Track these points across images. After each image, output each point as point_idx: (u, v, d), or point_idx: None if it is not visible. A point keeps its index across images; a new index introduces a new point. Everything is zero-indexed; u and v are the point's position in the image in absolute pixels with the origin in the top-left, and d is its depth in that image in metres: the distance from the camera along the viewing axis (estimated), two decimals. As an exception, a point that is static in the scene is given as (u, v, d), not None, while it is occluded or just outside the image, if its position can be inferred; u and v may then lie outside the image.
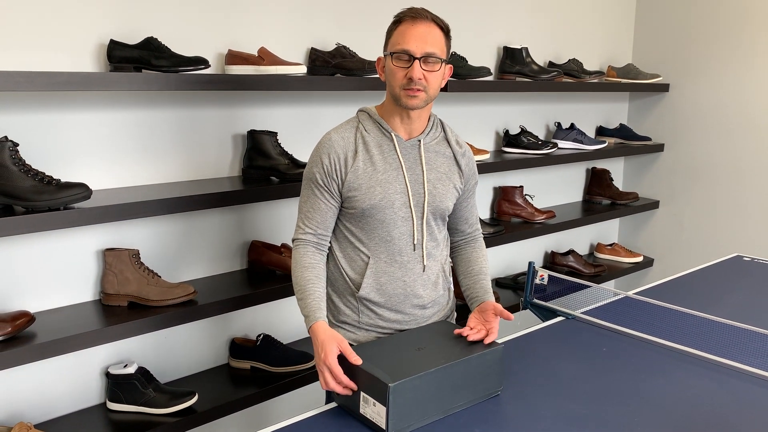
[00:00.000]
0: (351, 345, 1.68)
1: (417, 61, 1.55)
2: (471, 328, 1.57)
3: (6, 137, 1.68)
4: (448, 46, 1.63)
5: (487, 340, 1.53)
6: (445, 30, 1.61)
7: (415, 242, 1.65)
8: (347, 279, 1.67)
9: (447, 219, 1.75)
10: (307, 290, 1.59)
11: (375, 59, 2.07)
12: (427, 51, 1.55)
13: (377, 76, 2.31)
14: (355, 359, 1.42)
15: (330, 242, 1.71)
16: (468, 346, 1.50)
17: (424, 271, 1.67)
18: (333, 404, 1.48)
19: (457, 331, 1.57)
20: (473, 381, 1.46)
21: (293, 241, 1.67)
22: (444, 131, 1.72)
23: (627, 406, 1.49)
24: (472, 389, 1.46)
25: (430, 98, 1.61)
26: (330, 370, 1.45)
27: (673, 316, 2.05)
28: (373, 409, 1.35)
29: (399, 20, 1.60)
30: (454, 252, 1.83)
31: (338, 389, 1.44)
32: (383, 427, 1.33)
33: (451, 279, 1.82)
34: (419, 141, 1.66)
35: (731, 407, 1.49)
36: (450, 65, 1.67)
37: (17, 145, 1.70)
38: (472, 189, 1.78)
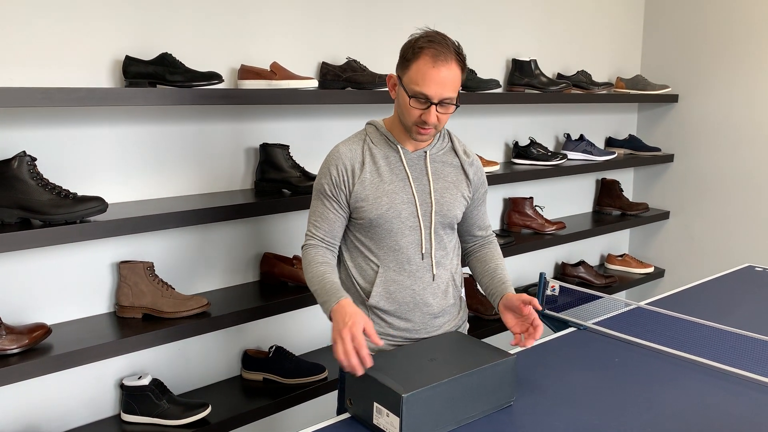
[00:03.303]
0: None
1: (434, 106, 1.55)
2: (519, 333, 1.61)
3: (24, 152, 1.71)
4: (463, 78, 1.60)
5: (537, 335, 1.58)
6: (463, 63, 1.58)
7: (423, 251, 1.67)
8: (358, 288, 1.69)
9: (456, 227, 1.77)
10: (325, 278, 1.59)
11: (385, 73, 2.09)
12: (444, 96, 1.55)
13: (387, 89, 2.33)
14: (377, 340, 1.44)
15: (342, 252, 1.73)
16: (480, 356, 1.51)
17: (433, 279, 1.69)
18: (346, 415, 1.49)
19: (513, 342, 1.63)
20: (486, 391, 1.46)
21: (302, 247, 1.69)
22: (451, 141, 1.74)
23: (640, 416, 1.49)
24: (485, 400, 1.47)
25: (438, 132, 1.65)
26: (353, 339, 1.40)
27: (686, 326, 2.04)
28: (386, 420, 1.36)
29: (420, 51, 1.54)
30: (469, 256, 1.85)
31: (353, 361, 1.39)
32: (397, 437, 1.34)
33: (463, 289, 1.83)
34: (425, 152, 1.69)
35: (746, 417, 1.49)
36: None
37: (35, 159, 1.73)
38: (482, 197, 1.80)
